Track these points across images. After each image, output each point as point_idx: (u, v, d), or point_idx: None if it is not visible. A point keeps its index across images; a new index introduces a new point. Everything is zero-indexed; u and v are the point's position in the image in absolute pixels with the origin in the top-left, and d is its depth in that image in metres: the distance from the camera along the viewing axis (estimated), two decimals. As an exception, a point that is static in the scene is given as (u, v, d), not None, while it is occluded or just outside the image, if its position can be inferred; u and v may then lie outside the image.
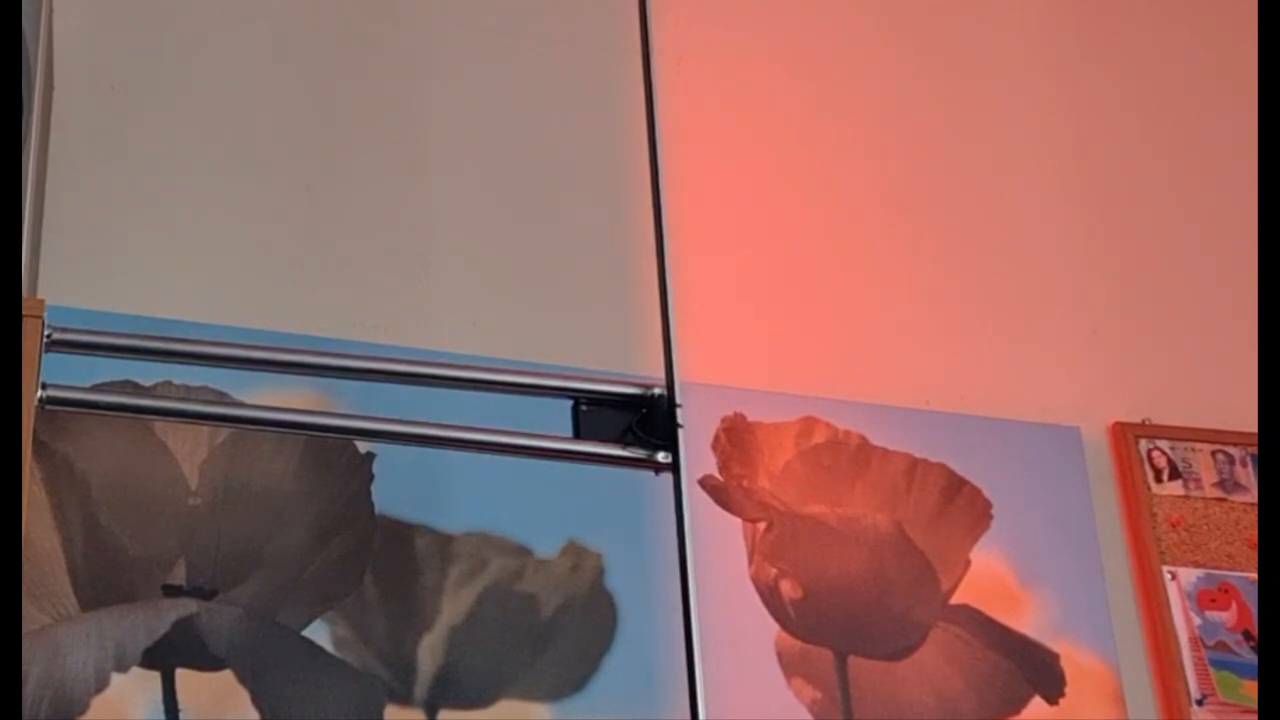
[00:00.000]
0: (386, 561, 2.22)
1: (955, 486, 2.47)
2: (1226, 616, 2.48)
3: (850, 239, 2.65)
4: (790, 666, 2.31)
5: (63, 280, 2.23)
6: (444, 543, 2.25)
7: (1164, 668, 2.44)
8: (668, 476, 2.26)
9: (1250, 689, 2.42)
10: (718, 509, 2.37)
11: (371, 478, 2.25)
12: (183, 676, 2.09)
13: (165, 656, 2.09)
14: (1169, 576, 2.49)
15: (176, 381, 2.22)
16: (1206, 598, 2.49)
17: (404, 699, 2.16)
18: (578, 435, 2.28)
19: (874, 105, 2.76)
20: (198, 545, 2.16)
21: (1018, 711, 2.36)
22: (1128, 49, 2.94)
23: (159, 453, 2.19)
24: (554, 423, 2.28)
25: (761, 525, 2.38)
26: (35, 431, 2.00)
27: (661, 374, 2.29)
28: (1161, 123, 2.89)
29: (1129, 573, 2.50)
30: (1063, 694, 2.39)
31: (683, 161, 2.50)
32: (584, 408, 2.29)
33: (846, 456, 2.45)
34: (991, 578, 2.43)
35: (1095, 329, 2.69)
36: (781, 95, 2.72)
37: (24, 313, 1.74)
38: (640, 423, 2.28)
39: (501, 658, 2.21)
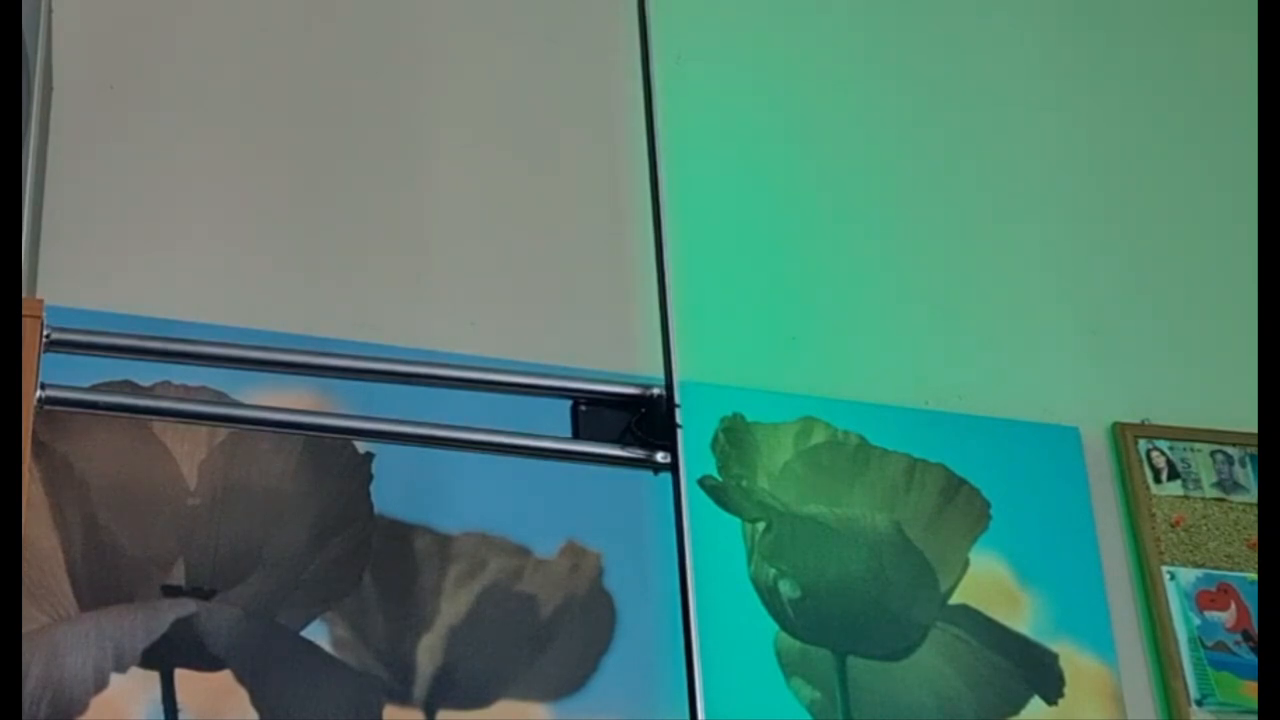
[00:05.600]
0: (385, 562, 2.22)
1: (954, 486, 2.47)
2: (1226, 617, 2.48)
3: (850, 239, 2.65)
4: (789, 666, 2.31)
5: (62, 280, 2.23)
6: (443, 543, 2.25)
7: (1163, 668, 2.44)
8: (667, 476, 2.26)
9: (1249, 689, 2.42)
10: (717, 509, 2.37)
11: (370, 478, 2.25)
12: (182, 676, 2.09)
13: (164, 656, 2.10)
14: (1168, 576, 2.49)
15: (175, 381, 2.22)
16: (1206, 598, 2.49)
17: (403, 699, 2.16)
18: (577, 435, 2.28)
19: (873, 105, 2.76)
20: (197, 545, 2.16)
21: (1016, 712, 2.36)
22: (1127, 49, 2.93)
23: (158, 453, 2.20)
24: (553, 423, 2.28)
25: (760, 525, 2.38)
26: (35, 431, 2.01)
27: (660, 374, 2.29)
28: (1161, 122, 2.89)
29: (1128, 573, 2.50)
30: (1062, 694, 2.39)
31: (682, 161, 2.50)
32: (583, 408, 2.29)
33: (845, 456, 2.45)
34: (990, 578, 2.43)
35: (1095, 329, 2.69)
36: (781, 95, 2.72)
37: (23, 313, 1.73)
38: (639, 423, 2.28)
39: (500, 658, 2.21)
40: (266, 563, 2.18)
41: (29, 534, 2.07)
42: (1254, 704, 2.41)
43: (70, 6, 2.36)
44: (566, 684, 2.23)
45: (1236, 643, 2.46)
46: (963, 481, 2.47)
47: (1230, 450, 2.61)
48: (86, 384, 2.16)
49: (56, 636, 2.07)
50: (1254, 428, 2.48)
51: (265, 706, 2.10)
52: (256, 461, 2.22)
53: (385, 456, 2.27)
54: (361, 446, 2.27)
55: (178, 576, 2.14)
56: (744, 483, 2.40)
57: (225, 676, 2.11)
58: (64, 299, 2.16)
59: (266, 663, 2.12)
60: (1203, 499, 2.57)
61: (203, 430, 2.21)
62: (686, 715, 2.16)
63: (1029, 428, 2.56)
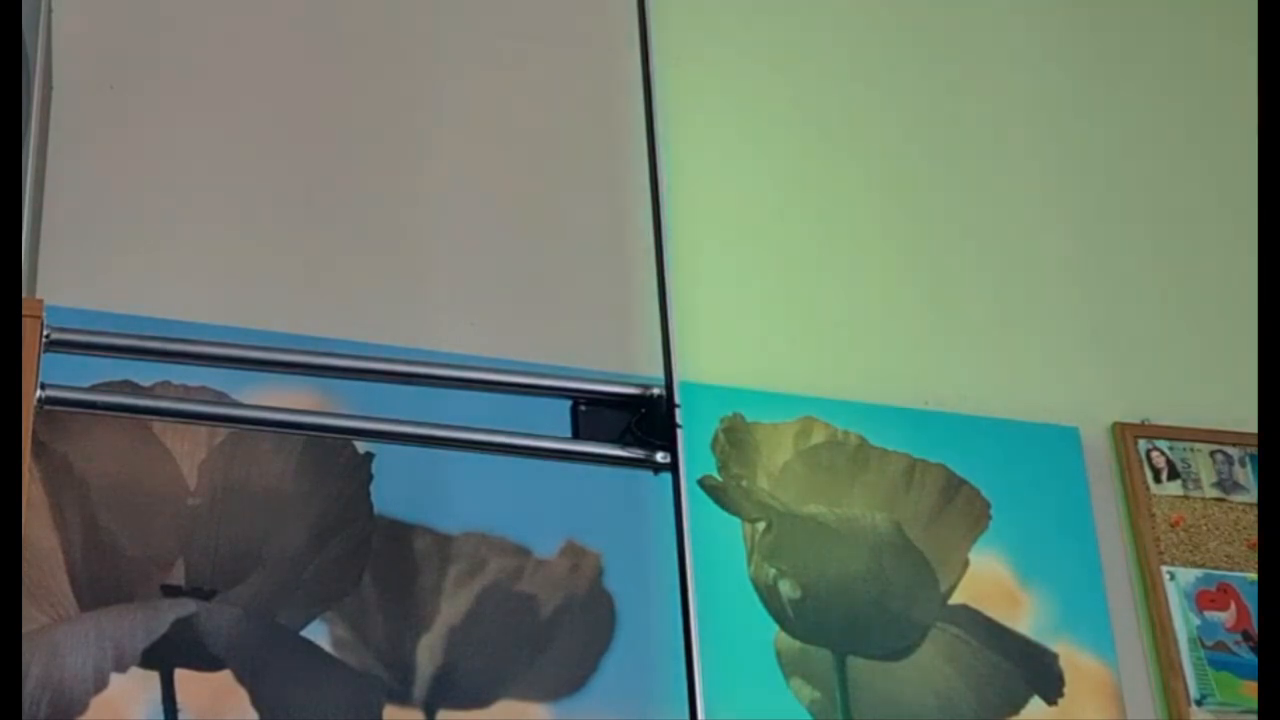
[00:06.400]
0: (385, 562, 2.22)
1: (954, 486, 2.47)
2: (1225, 617, 2.48)
3: (849, 239, 2.65)
4: (789, 666, 2.31)
5: (62, 280, 2.23)
6: (443, 543, 2.25)
7: (1163, 668, 2.44)
8: (666, 476, 2.26)
9: (1249, 689, 2.42)
10: (717, 509, 2.37)
11: (370, 478, 2.25)
12: (182, 676, 2.10)
13: (164, 657, 2.10)
14: (1168, 576, 2.49)
15: (175, 381, 2.22)
16: (1205, 598, 2.49)
17: (403, 699, 2.16)
18: (576, 435, 2.28)
19: (873, 105, 2.76)
20: (197, 545, 2.16)
21: (1016, 711, 2.36)
22: (1127, 50, 2.94)
23: (158, 453, 2.20)
24: (553, 423, 2.28)
25: (760, 525, 2.38)
26: (35, 432, 2.01)
27: (660, 374, 2.29)
28: (1161, 123, 2.89)
29: (1128, 573, 2.50)
30: (1061, 694, 2.39)
31: (682, 161, 2.50)
32: (583, 408, 2.29)
33: (845, 456, 2.45)
34: (990, 578, 2.43)
35: (1095, 329, 2.69)
36: (781, 95, 2.72)
37: (24, 313, 1.74)
38: (639, 423, 2.28)
39: (500, 658, 2.21)
40: (266, 563, 2.18)
41: (29, 534, 2.07)
42: (1254, 704, 2.41)
43: (70, 6, 2.36)
44: (566, 684, 2.23)
45: (1236, 643, 2.46)
46: (963, 481, 2.48)
47: (1230, 450, 2.61)
48: (86, 384, 2.16)
49: (56, 636, 2.07)
50: (1254, 428, 2.48)
51: (265, 706, 2.10)
52: (256, 461, 2.22)
53: (385, 456, 2.27)
54: (361, 446, 2.27)
55: (178, 576, 2.14)
56: (744, 483, 2.40)
57: (225, 676, 2.11)
58: (64, 299, 2.16)
59: (266, 663, 2.12)
60: (1202, 499, 2.57)
61: (203, 430, 2.21)
62: (686, 715, 2.16)
63: (1029, 428, 2.56)
